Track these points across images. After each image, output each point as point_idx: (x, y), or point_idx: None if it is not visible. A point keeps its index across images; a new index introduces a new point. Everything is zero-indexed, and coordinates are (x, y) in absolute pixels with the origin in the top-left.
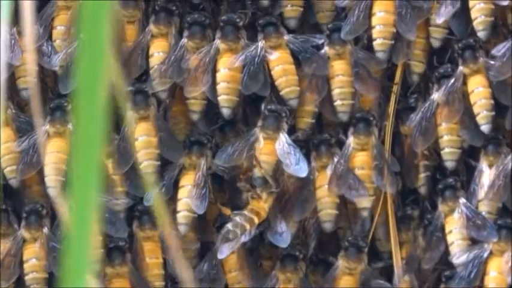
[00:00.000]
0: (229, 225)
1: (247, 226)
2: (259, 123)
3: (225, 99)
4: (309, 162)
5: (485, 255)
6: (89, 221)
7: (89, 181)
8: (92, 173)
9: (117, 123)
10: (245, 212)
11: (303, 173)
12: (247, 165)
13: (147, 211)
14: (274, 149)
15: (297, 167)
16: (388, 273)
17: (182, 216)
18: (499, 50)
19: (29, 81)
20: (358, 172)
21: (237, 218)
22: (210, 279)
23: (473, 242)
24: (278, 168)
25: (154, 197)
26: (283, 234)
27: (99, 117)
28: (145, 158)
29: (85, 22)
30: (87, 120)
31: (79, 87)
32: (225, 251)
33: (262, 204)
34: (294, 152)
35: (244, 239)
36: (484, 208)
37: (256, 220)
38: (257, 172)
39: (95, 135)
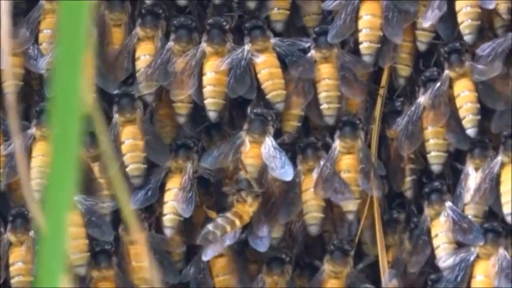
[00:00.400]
0: (209, 226)
1: (228, 228)
2: (245, 126)
3: (212, 103)
4: (295, 165)
5: (472, 258)
6: (64, 224)
7: (64, 184)
8: (67, 177)
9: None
10: (228, 214)
11: (288, 177)
12: (233, 169)
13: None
14: (260, 152)
15: (282, 170)
16: (374, 276)
17: (168, 219)
18: (484, 49)
19: (7, 85)
20: (344, 175)
21: (219, 220)
22: (197, 283)
23: (459, 245)
24: (263, 171)
25: (121, 201)
26: (264, 239)
27: (75, 121)
28: (132, 161)
29: (63, 24)
30: (64, 124)
31: (56, 91)
32: (209, 253)
33: (246, 208)
34: (279, 156)
35: (229, 241)
36: (470, 211)
37: (238, 223)
38: (242, 175)
39: (71, 139)
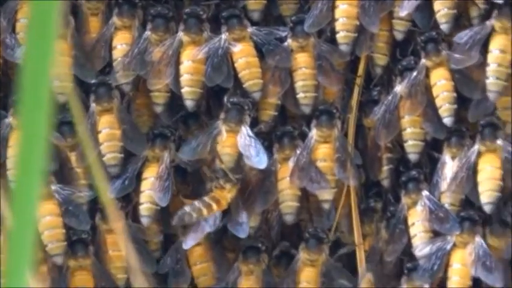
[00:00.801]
0: (186, 208)
1: (205, 211)
2: (222, 115)
3: (189, 92)
4: (271, 154)
5: (449, 247)
6: (33, 214)
7: (33, 174)
8: (36, 166)
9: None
10: (205, 198)
11: (262, 165)
12: (211, 158)
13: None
14: (236, 141)
15: (257, 158)
16: (351, 265)
17: (145, 208)
18: (461, 37)
19: None
20: (320, 164)
21: (196, 203)
22: (175, 273)
23: (436, 234)
24: (240, 160)
25: (99, 189)
26: (243, 224)
27: (45, 110)
28: (109, 150)
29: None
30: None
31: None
32: (190, 242)
33: (225, 193)
34: (254, 144)
35: (208, 229)
36: (446, 200)
37: (215, 207)
38: (218, 164)
39: (41, 128)
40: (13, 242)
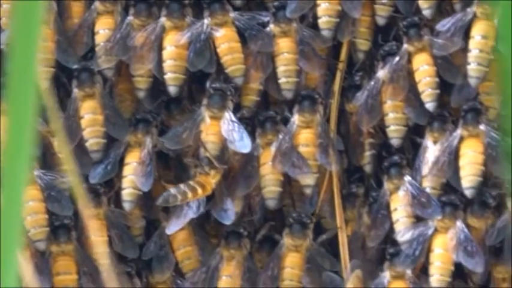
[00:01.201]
0: (172, 190)
1: (189, 194)
2: (205, 101)
3: (172, 78)
4: (254, 139)
5: (430, 232)
6: (21, 199)
7: (20, 159)
8: (23, 152)
9: (62, 101)
10: (190, 182)
11: (246, 149)
12: (195, 146)
13: (92, 189)
14: (219, 129)
15: (241, 143)
16: (333, 250)
17: (127, 193)
18: (444, 25)
19: None
20: (302, 149)
21: (181, 186)
22: (158, 259)
23: (418, 219)
24: (224, 147)
25: (71, 176)
26: (228, 211)
27: (32, 96)
28: (91, 135)
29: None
30: (20, 100)
31: (13, 66)
32: (173, 228)
33: (209, 179)
34: (237, 129)
35: (192, 215)
36: (427, 183)
37: (200, 191)
38: (203, 152)
39: (28, 114)
40: (2, 226)
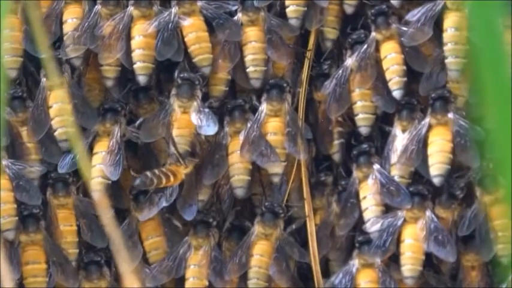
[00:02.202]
0: (147, 173)
1: (163, 180)
2: (173, 91)
3: (141, 67)
4: (222, 127)
5: (399, 223)
6: None
7: None
8: None
9: (31, 90)
10: (163, 169)
11: (212, 131)
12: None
13: (61, 178)
14: (189, 120)
15: (207, 126)
16: (301, 239)
17: (96, 182)
18: (414, 15)
19: None
20: (270, 138)
21: (156, 171)
22: (128, 248)
23: (387, 208)
24: (195, 139)
25: (79, 154)
26: (193, 206)
27: None
28: (60, 125)
29: None
30: None
31: None
32: (146, 215)
33: (180, 169)
34: (205, 115)
35: (165, 203)
36: (396, 172)
37: (172, 179)
38: (172, 149)
39: None
40: None
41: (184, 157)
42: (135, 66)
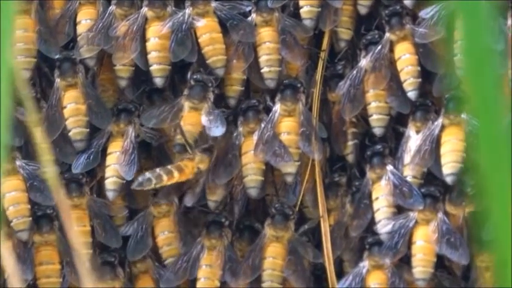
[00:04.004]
0: (147, 173)
1: (165, 178)
2: (185, 92)
3: (157, 69)
4: (236, 128)
5: (411, 224)
6: None
7: None
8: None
9: (45, 91)
10: (168, 166)
11: (219, 132)
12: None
13: (74, 179)
14: (198, 118)
15: (215, 127)
16: (315, 240)
17: (110, 182)
18: (427, 12)
19: None
20: (283, 137)
21: (157, 169)
22: (137, 239)
23: (400, 209)
24: (202, 136)
25: (48, 168)
26: (195, 194)
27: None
28: (74, 125)
29: None
30: None
31: None
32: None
33: (192, 163)
34: (215, 116)
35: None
36: (409, 172)
37: (177, 175)
38: (178, 139)
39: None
40: None
41: (192, 146)
42: (151, 68)
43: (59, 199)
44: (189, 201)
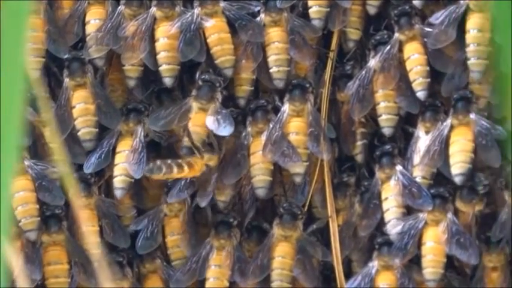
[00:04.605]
0: (158, 161)
1: (175, 169)
2: (194, 92)
3: (167, 69)
4: (244, 128)
5: (421, 225)
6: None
7: (10, 150)
8: (13, 142)
9: (53, 91)
10: (179, 160)
11: (227, 132)
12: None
13: (83, 179)
14: (205, 119)
15: (223, 126)
16: (324, 240)
17: (119, 180)
18: (437, 17)
19: None
20: (292, 137)
21: (168, 160)
22: (146, 235)
23: (409, 209)
24: (210, 137)
25: (62, 166)
26: (208, 193)
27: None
28: (83, 125)
29: None
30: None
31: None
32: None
33: (201, 161)
34: (221, 114)
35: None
36: (418, 173)
37: (186, 169)
38: (185, 142)
39: (17, 104)
40: None
41: (200, 148)
42: (160, 68)
43: (73, 197)
44: (202, 201)
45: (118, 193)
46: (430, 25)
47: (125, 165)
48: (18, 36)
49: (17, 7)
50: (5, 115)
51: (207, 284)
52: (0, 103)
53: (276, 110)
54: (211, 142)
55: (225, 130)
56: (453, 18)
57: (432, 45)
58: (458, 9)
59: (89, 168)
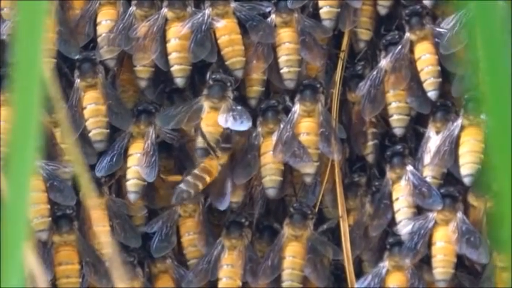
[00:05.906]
0: (182, 186)
1: (200, 185)
2: (205, 92)
3: (178, 69)
4: (255, 128)
5: (430, 225)
6: (26, 189)
7: (25, 150)
8: (28, 142)
9: (64, 91)
10: (196, 171)
11: (245, 127)
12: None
13: (94, 179)
14: (217, 118)
15: (240, 121)
16: (335, 240)
17: (132, 184)
18: (448, 22)
19: None
20: (303, 138)
21: (189, 178)
22: (161, 237)
23: (419, 209)
24: (224, 137)
25: (76, 166)
26: (225, 196)
27: (36, 86)
28: (94, 126)
29: None
30: (25, 90)
31: (17, 56)
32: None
33: (215, 162)
34: (237, 110)
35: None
36: (428, 173)
37: (208, 179)
38: (199, 143)
39: (33, 104)
40: (7, 216)
41: (215, 148)
42: (172, 69)
43: (84, 197)
44: (221, 205)
45: (131, 197)
46: (442, 32)
47: (137, 168)
48: (35, 35)
49: (32, 7)
50: (21, 117)
51: (220, 284)
52: (16, 104)
53: (287, 110)
54: (227, 140)
55: (243, 125)
56: (464, 23)
57: (445, 51)
58: (468, 13)
59: (100, 171)
